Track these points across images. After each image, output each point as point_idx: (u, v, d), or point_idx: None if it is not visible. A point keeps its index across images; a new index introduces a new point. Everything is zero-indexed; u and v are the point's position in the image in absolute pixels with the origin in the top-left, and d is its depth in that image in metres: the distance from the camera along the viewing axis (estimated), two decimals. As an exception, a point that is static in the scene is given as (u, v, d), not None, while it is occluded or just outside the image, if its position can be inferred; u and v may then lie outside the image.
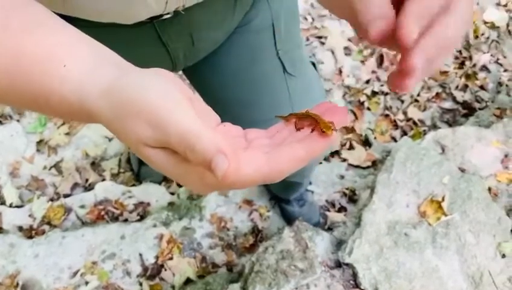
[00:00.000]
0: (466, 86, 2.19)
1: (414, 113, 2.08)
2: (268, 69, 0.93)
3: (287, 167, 0.36)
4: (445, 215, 1.35)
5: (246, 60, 0.92)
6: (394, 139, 2.00)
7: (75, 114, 0.40)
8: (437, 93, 2.16)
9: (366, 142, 1.97)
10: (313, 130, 0.39)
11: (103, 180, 1.84)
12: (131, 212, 1.71)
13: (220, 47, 0.89)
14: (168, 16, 0.70)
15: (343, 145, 1.94)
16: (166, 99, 0.35)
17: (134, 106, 0.35)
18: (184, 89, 0.37)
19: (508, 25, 2.36)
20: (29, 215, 1.67)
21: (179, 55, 0.81)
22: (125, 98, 0.36)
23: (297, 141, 0.38)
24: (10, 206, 1.72)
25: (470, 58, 2.26)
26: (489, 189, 1.49)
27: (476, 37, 2.32)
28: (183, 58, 0.83)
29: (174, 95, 0.35)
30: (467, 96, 2.15)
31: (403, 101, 2.12)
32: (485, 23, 2.37)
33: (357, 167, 1.86)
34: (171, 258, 1.51)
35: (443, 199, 1.37)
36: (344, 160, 1.88)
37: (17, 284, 1.41)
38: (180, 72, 1.00)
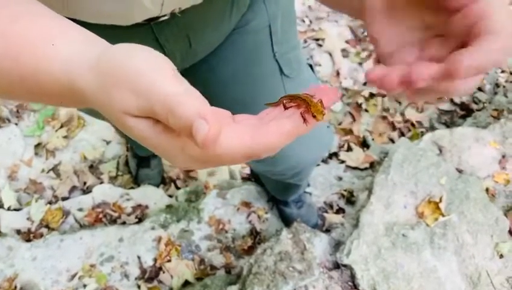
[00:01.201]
0: (463, 87, 2.19)
1: (412, 114, 2.08)
2: (265, 70, 0.93)
3: (273, 141, 0.35)
4: (443, 216, 1.35)
5: (243, 62, 0.92)
6: (392, 141, 2.00)
7: (64, 93, 0.40)
8: (434, 95, 2.16)
9: (364, 144, 1.97)
10: (303, 113, 0.38)
11: (101, 183, 1.84)
12: (129, 215, 1.71)
13: (217, 49, 0.90)
14: (165, 17, 0.70)
15: (341, 146, 1.94)
16: (150, 67, 0.34)
17: (118, 74, 0.35)
18: (170, 63, 0.37)
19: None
20: (27, 219, 1.67)
21: (176, 57, 0.81)
22: (111, 66, 0.35)
23: (285, 117, 0.37)
24: (8, 209, 1.72)
25: (467, 59, 2.26)
26: (487, 189, 1.49)
27: (473, 38, 2.33)
28: (181, 60, 0.83)
29: (158, 63, 0.35)
30: (464, 98, 2.16)
31: (400, 103, 2.12)
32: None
33: (355, 168, 1.86)
34: (169, 261, 1.51)
35: (441, 200, 1.37)
36: (342, 161, 1.88)
37: (15, 287, 1.41)
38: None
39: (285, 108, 0.41)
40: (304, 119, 0.38)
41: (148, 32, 0.73)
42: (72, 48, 0.39)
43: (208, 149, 0.32)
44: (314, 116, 0.38)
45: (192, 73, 0.98)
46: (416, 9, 0.41)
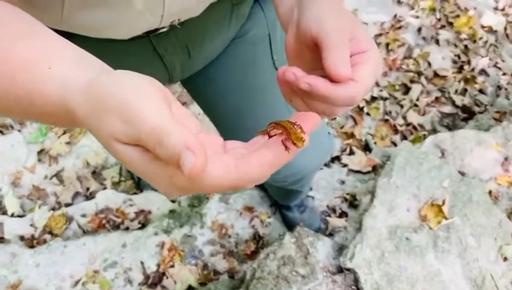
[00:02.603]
0: (465, 90, 2.19)
1: (414, 117, 2.08)
2: (265, 79, 0.94)
3: (256, 172, 0.36)
4: (446, 219, 1.35)
5: (242, 71, 0.92)
6: (394, 144, 2.00)
7: (58, 114, 0.40)
8: (436, 98, 2.16)
9: (366, 148, 1.97)
10: (284, 140, 0.40)
11: (104, 188, 1.84)
12: (132, 220, 1.71)
13: (216, 58, 0.90)
14: (164, 29, 0.70)
15: (343, 150, 1.94)
16: (140, 95, 0.35)
17: (108, 100, 0.35)
18: (162, 90, 0.38)
19: (505, 29, 2.37)
20: (31, 225, 1.68)
21: (176, 68, 0.82)
22: (101, 92, 0.36)
23: (266, 147, 0.38)
24: (12, 215, 1.72)
25: (469, 62, 2.26)
26: (490, 192, 1.49)
27: (474, 41, 2.33)
28: (180, 70, 0.84)
29: (149, 92, 0.36)
30: (466, 100, 2.16)
31: (402, 106, 2.12)
32: (483, 27, 2.39)
33: (357, 172, 1.86)
34: (172, 266, 1.51)
35: (443, 203, 1.37)
36: (344, 165, 1.88)
37: (19, 293, 1.41)
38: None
39: (270, 136, 0.43)
40: (286, 147, 0.39)
41: (147, 44, 0.73)
42: (67, 70, 0.40)
43: (194, 180, 0.33)
44: (294, 144, 0.39)
45: (192, 83, 0.98)
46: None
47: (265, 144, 0.41)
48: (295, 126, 0.41)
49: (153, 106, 0.34)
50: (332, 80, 0.44)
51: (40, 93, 0.40)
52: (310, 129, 0.42)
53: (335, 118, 0.52)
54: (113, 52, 0.72)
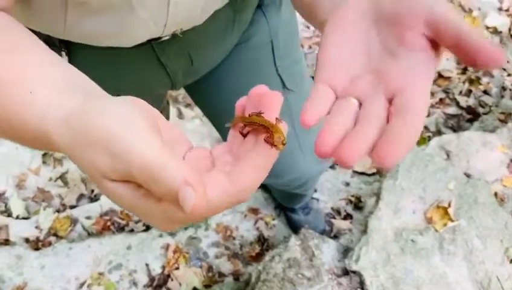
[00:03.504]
0: (470, 91, 2.18)
1: (418, 119, 2.07)
2: (268, 85, 0.93)
3: (251, 181, 0.34)
4: (452, 221, 1.35)
5: (245, 77, 0.92)
6: (399, 146, 1.99)
7: (38, 140, 0.38)
8: (440, 99, 2.16)
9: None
10: (267, 138, 0.37)
11: (109, 190, 1.84)
12: (137, 222, 1.71)
13: (219, 64, 0.90)
14: (166, 37, 0.70)
15: (347, 152, 1.93)
16: (129, 127, 0.32)
17: (92, 133, 0.32)
18: (152, 116, 0.35)
19: (510, 30, 2.36)
20: (36, 227, 1.68)
21: (178, 74, 0.81)
22: (85, 124, 0.33)
23: (253, 150, 0.36)
24: (17, 218, 1.73)
25: (473, 63, 2.26)
26: (496, 194, 1.49)
27: (479, 42, 2.32)
28: (182, 77, 0.83)
29: (138, 122, 0.32)
30: (470, 102, 2.15)
31: (406, 107, 2.12)
32: (487, 28, 2.38)
33: (362, 173, 1.86)
34: (177, 268, 1.51)
35: (449, 205, 1.37)
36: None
37: (24, 296, 1.42)
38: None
39: (244, 135, 0.39)
40: (272, 145, 0.36)
41: (149, 51, 0.73)
42: (48, 97, 0.37)
43: (195, 213, 0.31)
44: (274, 146, 0.36)
45: (194, 89, 0.98)
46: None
47: (245, 146, 0.38)
48: (274, 123, 0.37)
49: (143, 139, 0.31)
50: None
51: (19, 118, 0.37)
52: (275, 112, 0.38)
53: None
54: (116, 59, 0.72)
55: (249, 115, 0.39)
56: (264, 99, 0.39)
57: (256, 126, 0.38)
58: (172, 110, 1.98)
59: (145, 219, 0.35)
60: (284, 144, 0.36)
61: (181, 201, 0.29)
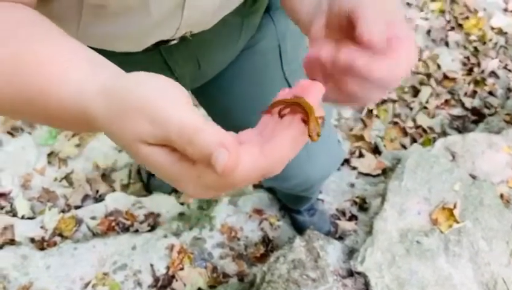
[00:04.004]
0: (475, 92, 2.18)
1: (423, 120, 2.07)
2: (275, 89, 0.93)
3: (284, 153, 0.35)
4: (457, 222, 1.34)
5: (252, 81, 0.92)
6: (404, 147, 1.99)
7: (72, 117, 0.39)
8: (446, 100, 2.15)
9: (376, 150, 1.96)
10: (302, 119, 0.38)
11: (113, 191, 1.85)
12: (141, 223, 1.72)
13: (226, 69, 0.90)
14: (174, 41, 0.70)
15: (352, 153, 1.93)
16: (166, 95, 0.34)
17: (133, 101, 0.34)
18: (185, 92, 0.37)
19: (515, 31, 2.36)
20: (41, 227, 1.68)
21: (185, 79, 0.82)
22: (124, 95, 0.35)
23: (288, 127, 0.37)
24: (22, 218, 1.73)
25: (478, 64, 2.25)
26: (501, 195, 1.48)
27: (484, 43, 2.32)
28: (190, 81, 0.84)
29: (174, 92, 0.35)
30: (476, 103, 2.14)
31: (411, 109, 2.11)
32: (493, 29, 2.37)
33: (367, 175, 1.85)
34: (182, 269, 1.51)
35: (455, 206, 1.36)
36: (354, 168, 1.87)
37: (30, 295, 1.42)
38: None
39: (281, 116, 0.41)
40: (304, 121, 0.38)
41: (156, 56, 0.73)
42: (83, 73, 0.39)
43: (227, 177, 0.32)
44: (309, 136, 0.38)
45: (201, 93, 0.98)
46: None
47: (281, 125, 0.39)
48: (313, 109, 0.39)
49: (179, 104, 0.33)
50: (365, 45, 0.42)
51: (55, 96, 0.39)
52: (317, 100, 0.40)
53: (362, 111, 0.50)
54: (123, 64, 0.72)
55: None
56: (306, 88, 0.41)
57: (296, 107, 0.40)
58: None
59: (178, 185, 0.36)
60: (319, 136, 0.38)
61: (213, 160, 0.31)
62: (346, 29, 0.46)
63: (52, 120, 0.43)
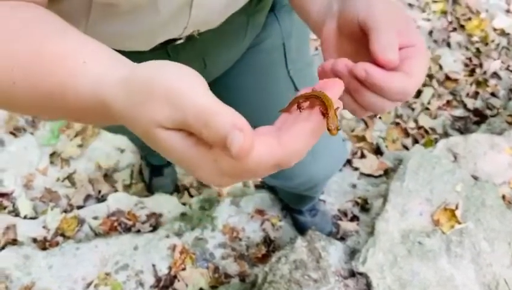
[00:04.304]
0: (477, 93, 2.18)
1: (425, 121, 2.07)
2: (279, 88, 0.94)
3: (300, 144, 0.35)
4: (459, 223, 1.34)
5: (257, 80, 0.92)
6: (406, 148, 1.99)
7: (90, 109, 0.40)
8: (448, 101, 2.15)
9: (378, 151, 1.96)
10: (321, 110, 0.39)
11: (116, 191, 1.85)
12: (143, 223, 1.72)
13: (231, 67, 0.90)
14: (181, 41, 0.71)
15: (354, 153, 1.93)
16: (184, 79, 0.35)
17: (151, 87, 0.35)
18: (201, 77, 0.37)
19: (518, 32, 2.36)
20: (43, 227, 1.69)
21: None
22: (143, 81, 0.36)
23: (305, 120, 0.38)
24: (24, 218, 1.74)
25: (480, 65, 2.25)
26: (503, 196, 1.48)
27: (486, 44, 2.31)
28: None
29: (192, 77, 0.36)
30: (478, 104, 2.14)
31: (413, 109, 2.11)
32: (495, 30, 2.37)
33: (369, 175, 1.85)
34: (184, 269, 1.51)
35: (456, 207, 1.36)
36: (356, 169, 1.87)
37: (32, 295, 1.42)
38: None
39: (300, 109, 0.41)
40: (323, 114, 0.38)
41: (163, 55, 0.73)
42: (101, 65, 0.39)
43: (241, 160, 0.32)
44: (328, 130, 0.38)
45: None
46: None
47: (299, 118, 0.40)
48: (333, 103, 0.39)
49: (197, 88, 0.34)
50: (378, 66, 0.43)
51: (73, 87, 0.40)
52: (335, 94, 0.41)
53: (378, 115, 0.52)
54: None
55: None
56: (327, 84, 0.42)
57: (315, 100, 0.40)
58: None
59: (194, 171, 0.36)
60: (338, 129, 0.38)
61: (229, 142, 0.31)
62: (359, 36, 0.47)
63: (69, 112, 0.43)
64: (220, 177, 0.35)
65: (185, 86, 0.34)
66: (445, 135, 2.04)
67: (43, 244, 1.64)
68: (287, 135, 0.36)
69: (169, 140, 0.35)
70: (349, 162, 1.90)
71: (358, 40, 0.48)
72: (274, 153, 0.34)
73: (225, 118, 0.32)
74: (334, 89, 0.41)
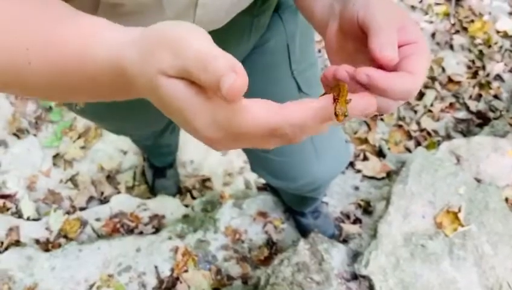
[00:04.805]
0: (480, 95, 2.17)
1: (428, 123, 2.07)
2: (283, 89, 0.94)
3: (298, 115, 0.36)
4: (462, 226, 1.34)
5: (261, 80, 0.93)
6: (408, 150, 1.99)
7: (106, 76, 0.41)
8: (450, 103, 2.15)
9: (380, 153, 1.96)
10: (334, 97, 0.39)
11: (118, 193, 1.86)
12: (146, 225, 1.72)
13: None
14: None
15: (357, 156, 1.93)
16: (190, 31, 0.36)
17: (160, 38, 0.36)
18: (206, 32, 0.38)
19: (521, 34, 2.35)
20: (46, 229, 1.69)
21: None
22: (152, 36, 0.37)
23: (314, 101, 0.38)
24: (27, 219, 1.74)
25: (483, 67, 2.25)
26: (506, 199, 1.48)
27: (489, 46, 2.31)
28: None
29: (194, 27, 0.37)
30: (480, 106, 2.14)
31: (416, 112, 2.11)
32: (498, 32, 2.37)
33: (371, 178, 1.85)
34: (186, 271, 1.51)
35: (459, 210, 1.36)
36: (358, 171, 1.87)
37: (35, 297, 1.43)
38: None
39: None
40: (334, 100, 0.38)
41: None
42: (116, 31, 0.41)
43: (232, 102, 0.33)
44: (336, 115, 0.38)
45: None
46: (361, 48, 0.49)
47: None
48: (346, 90, 0.40)
49: (202, 39, 0.35)
50: (378, 65, 0.43)
51: (91, 54, 0.40)
52: (359, 111, 0.40)
53: (382, 116, 0.51)
54: None
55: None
56: (360, 95, 0.42)
57: (334, 88, 0.41)
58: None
59: (190, 121, 0.36)
60: (345, 116, 0.38)
61: (221, 83, 0.32)
62: (360, 36, 0.47)
63: (84, 87, 0.44)
64: (215, 131, 0.36)
65: (185, 34, 0.35)
66: (448, 137, 2.04)
67: (46, 246, 1.65)
68: (291, 105, 0.36)
69: (172, 87, 0.36)
70: (351, 164, 1.90)
71: (360, 40, 0.48)
72: (271, 117, 0.35)
73: (223, 62, 0.33)
74: (361, 102, 0.40)
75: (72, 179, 1.89)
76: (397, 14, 0.46)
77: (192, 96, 0.35)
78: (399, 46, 0.45)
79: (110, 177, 1.91)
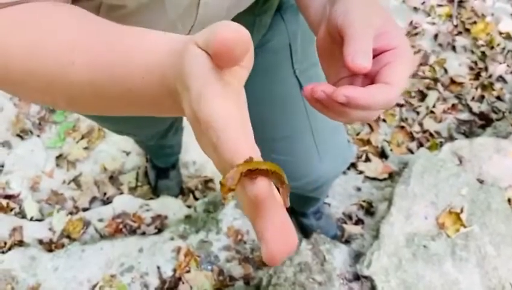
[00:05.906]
0: (482, 96, 2.17)
1: (430, 124, 2.07)
2: (286, 88, 0.94)
3: None
4: (465, 227, 1.34)
5: (263, 79, 0.93)
6: (410, 151, 1.99)
7: (150, 78, 0.39)
8: (453, 105, 2.15)
9: (383, 154, 1.96)
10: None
11: (121, 193, 1.86)
12: (148, 225, 1.73)
13: None
14: None
15: (359, 157, 1.93)
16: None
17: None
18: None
19: (523, 35, 2.35)
20: (49, 229, 1.70)
21: None
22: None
23: None
24: (31, 219, 1.75)
25: (486, 68, 2.25)
26: (509, 200, 1.47)
27: (492, 47, 2.31)
28: None
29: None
30: (483, 107, 2.14)
31: (418, 113, 2.11)
32: (500, 33, 2.36)
33: (373, 179, 1.85)
34: (188, 271, 1.52)
35: (462, 211, 1.36)
36: (360, 172, 1.87)
37: (38, 297, 1.43)
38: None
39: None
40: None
41: None
42: (155, 34, 0.41)
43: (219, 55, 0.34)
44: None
45: None
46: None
47: None
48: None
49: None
50: (351, 72, 0.44)
51: (138, 59, 0.39)
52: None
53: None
54: None
55: None
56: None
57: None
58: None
59: (202, 86, 0.36)
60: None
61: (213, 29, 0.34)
62: (340, 42, 0.47)
63: (131, 92, 0.41)
64: (221, 98, 0.36)
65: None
66: (451, 138, 2.04)
67: (49, 246, 1.66)
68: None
69: (196, 55, 0.36)
70: (353, 165, 1.90)
71: (342, 44, 0.48)
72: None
73: (231, 29, 0.33)
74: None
75: (75, 180, 1.90)
76: (377, 20, 0.47)
77: (210, 69, 0.36)
78: (379, 53, 0.45)
79: (113, 178, 1.92)
